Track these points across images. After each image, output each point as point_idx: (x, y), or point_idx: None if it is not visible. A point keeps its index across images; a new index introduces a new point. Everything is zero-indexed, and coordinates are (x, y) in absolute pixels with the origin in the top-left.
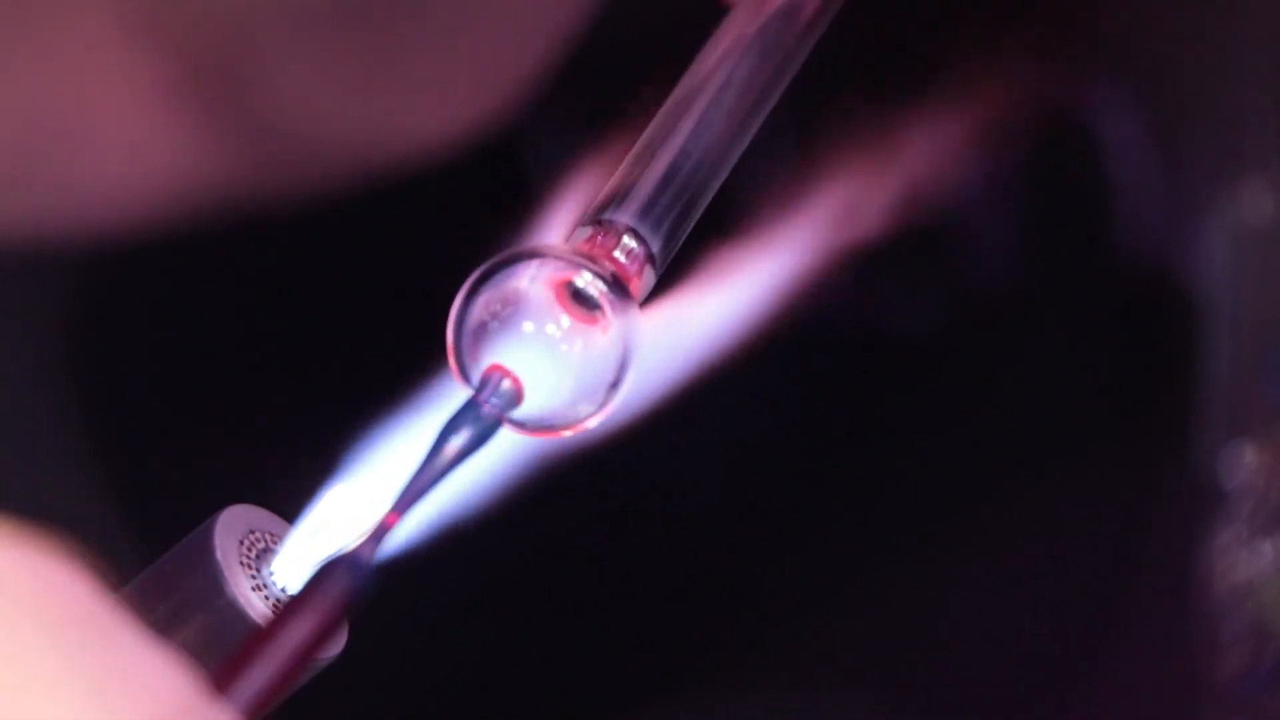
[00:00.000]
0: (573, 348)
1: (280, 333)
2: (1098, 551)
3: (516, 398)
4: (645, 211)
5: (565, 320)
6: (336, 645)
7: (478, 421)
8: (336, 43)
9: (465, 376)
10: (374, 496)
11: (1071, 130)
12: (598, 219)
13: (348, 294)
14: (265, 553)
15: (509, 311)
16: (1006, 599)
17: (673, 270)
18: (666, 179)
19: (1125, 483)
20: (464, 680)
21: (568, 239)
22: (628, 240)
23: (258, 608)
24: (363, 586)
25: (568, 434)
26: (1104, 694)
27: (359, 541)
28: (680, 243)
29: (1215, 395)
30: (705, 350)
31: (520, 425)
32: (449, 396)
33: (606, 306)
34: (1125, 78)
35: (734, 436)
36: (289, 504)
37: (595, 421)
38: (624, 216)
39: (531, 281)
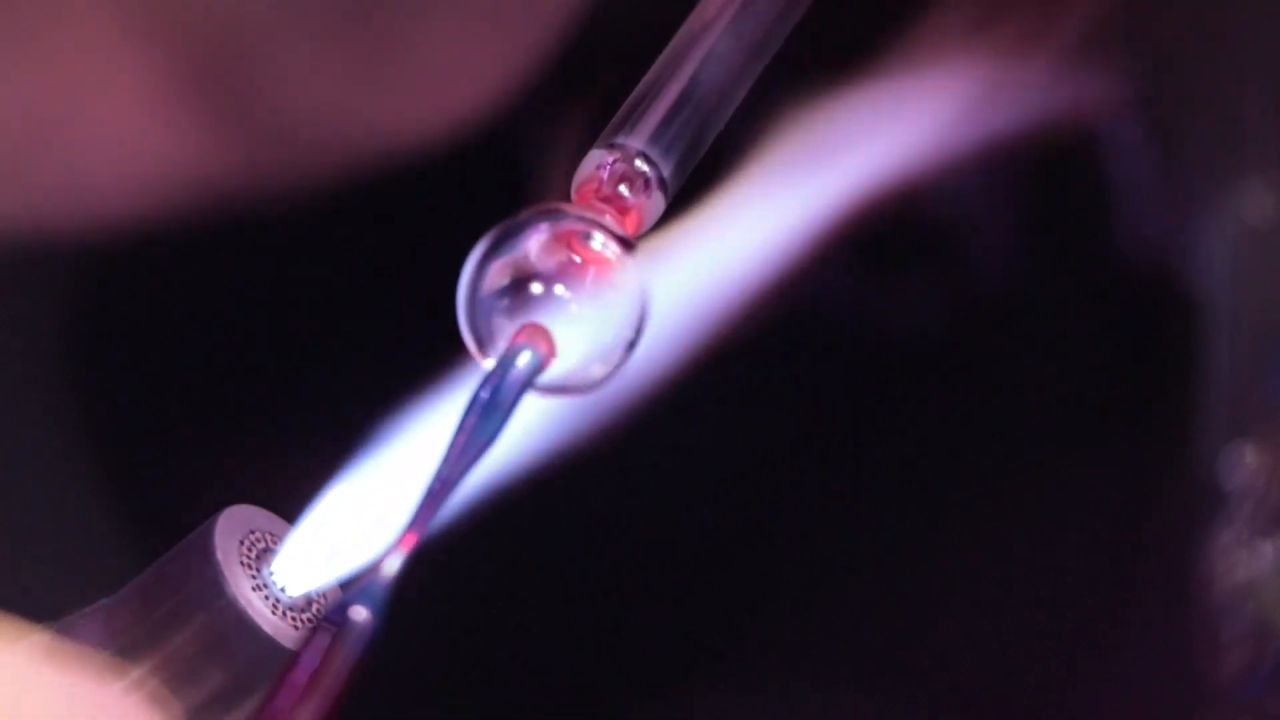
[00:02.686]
0: (588, 309)
1: (279, 331)
2: (1098, 552)
3: (546, 362)
4: (657, 135)
5: (580, 283)
6: None
7: (510, 390)
8: (332, 36)
9: (483, 351)
10: (381, 506)
11: (1071, 130)
12: (609, 143)
13: (346, 291)
14: (265, 553)
15: (523, 279)
16: (1006, 599)
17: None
18: (679, 103)
19: (1125, 483)
20: (462, 681)
21: (579, 165)
22: (639, 164)
23: (258, 608)
24: (376, 626)
25: (581, 396)
26: (1104, 694)
27: (368, 571)
28: (692, 167)
29: (1215, 395)
30: (722, 294)
31: (539, 389)
32: (449, 392)
33: (621, 266)
34: (1125, 78)
35: (733, 436)
36: (289, 504)
37: (609, 381)
38: (636, 141)
39: (541, 246)
